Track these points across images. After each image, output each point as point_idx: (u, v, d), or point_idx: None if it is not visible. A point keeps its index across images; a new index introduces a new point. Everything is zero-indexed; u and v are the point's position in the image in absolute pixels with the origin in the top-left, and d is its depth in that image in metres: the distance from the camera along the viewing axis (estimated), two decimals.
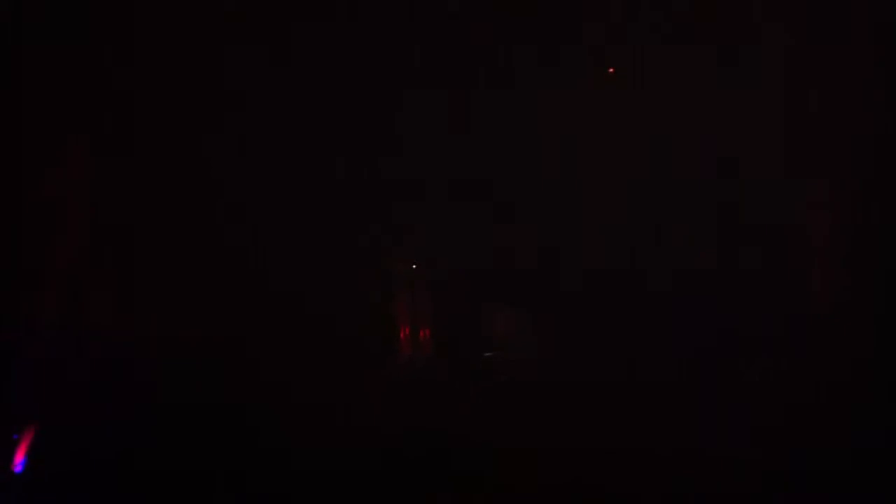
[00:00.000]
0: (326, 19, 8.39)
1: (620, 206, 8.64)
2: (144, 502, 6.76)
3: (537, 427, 7.83)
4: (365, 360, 8.72)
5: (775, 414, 7.57)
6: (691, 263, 8.39)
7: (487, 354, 8.88)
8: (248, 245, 8.31)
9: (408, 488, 7.00)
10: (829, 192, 8.18)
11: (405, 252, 9.15)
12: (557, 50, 8.60)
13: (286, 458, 7.17)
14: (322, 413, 7.72)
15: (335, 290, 8.61)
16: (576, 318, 8.66)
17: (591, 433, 7.66)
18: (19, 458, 6.79)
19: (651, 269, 8.50)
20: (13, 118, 7.65)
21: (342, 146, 8.66)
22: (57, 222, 7.90)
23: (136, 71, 8.02)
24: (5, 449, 6.86)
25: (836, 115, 8.07)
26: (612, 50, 8.64)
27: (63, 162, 7.99)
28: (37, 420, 6.96)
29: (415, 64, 8.58)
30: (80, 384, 7.39)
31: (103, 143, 8.12)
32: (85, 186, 8.08)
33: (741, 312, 8.24)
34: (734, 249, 8.38)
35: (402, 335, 9.02)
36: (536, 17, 8.55)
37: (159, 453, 7.01)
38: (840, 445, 7.02)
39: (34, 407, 7.10)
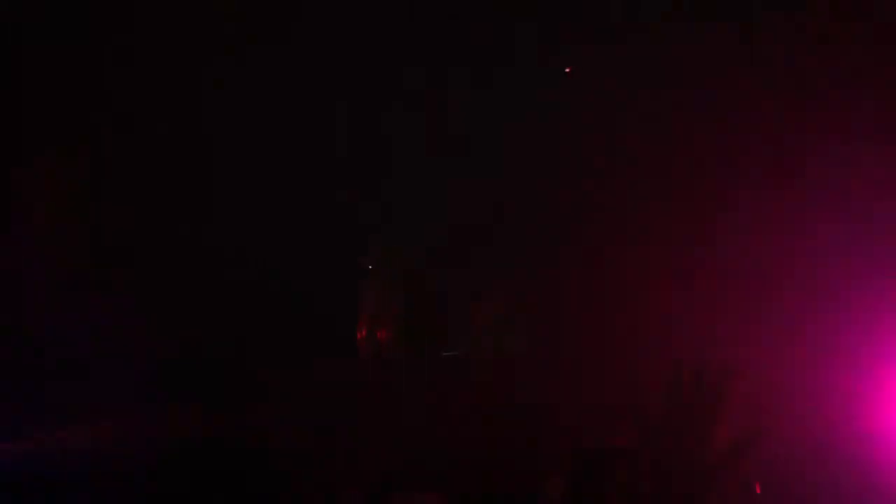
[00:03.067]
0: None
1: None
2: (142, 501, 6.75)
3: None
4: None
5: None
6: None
7: (447, 353, 8.85)
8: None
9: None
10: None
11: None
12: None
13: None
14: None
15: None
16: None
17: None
18: None
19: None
20: (9, 119, 7.68)
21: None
22: (54, 223, 7.93)
23: (132, 72, 8.03)
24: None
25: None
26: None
27: (60, 165, 8.01)
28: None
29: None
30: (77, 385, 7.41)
31: (100, 143, 8.13)
32: (83, 188, 8.09)
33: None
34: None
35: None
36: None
37: (158, 453, 7.01)
38: None
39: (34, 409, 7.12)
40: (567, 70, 8.55)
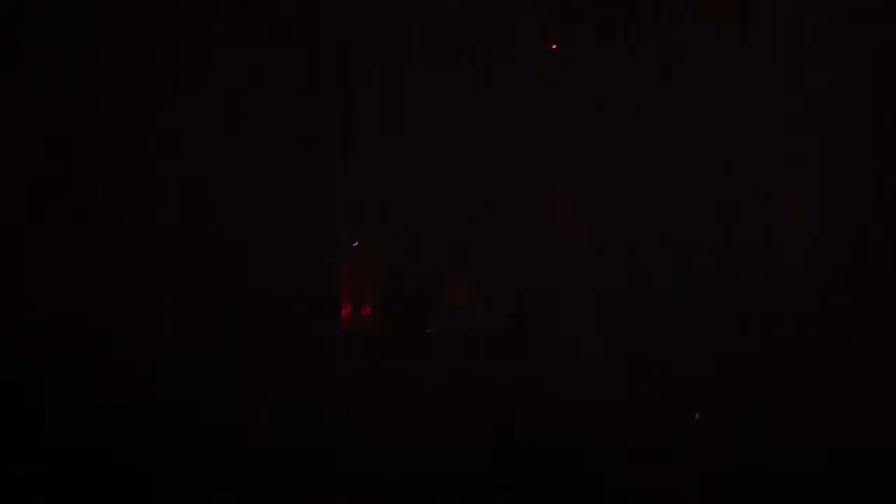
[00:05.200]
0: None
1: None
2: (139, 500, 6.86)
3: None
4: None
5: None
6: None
7: (430, 331, 8.93)
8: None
9: None
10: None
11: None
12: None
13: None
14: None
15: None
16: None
17: None
18: None
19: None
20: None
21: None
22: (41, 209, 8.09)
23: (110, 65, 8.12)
24: None
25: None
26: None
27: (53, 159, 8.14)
28: None
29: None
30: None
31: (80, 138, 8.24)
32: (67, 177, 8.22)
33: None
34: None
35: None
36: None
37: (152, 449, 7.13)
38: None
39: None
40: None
